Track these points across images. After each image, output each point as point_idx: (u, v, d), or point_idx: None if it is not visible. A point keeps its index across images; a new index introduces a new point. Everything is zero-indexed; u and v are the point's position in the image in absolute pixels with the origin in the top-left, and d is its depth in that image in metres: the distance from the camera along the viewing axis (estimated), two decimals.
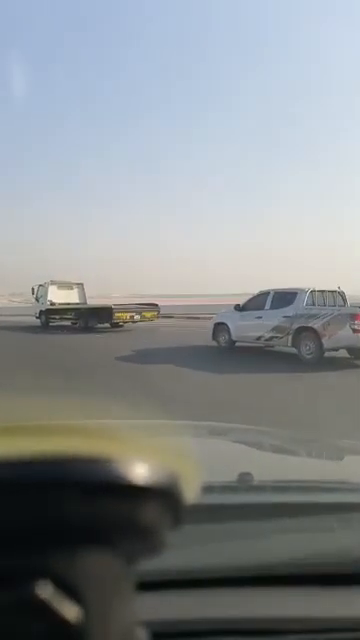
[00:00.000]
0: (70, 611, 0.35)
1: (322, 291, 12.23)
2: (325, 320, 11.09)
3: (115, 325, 20.45)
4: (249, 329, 12.74)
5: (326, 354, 11.08)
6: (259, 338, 12.40)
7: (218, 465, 1.32)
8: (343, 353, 11.21)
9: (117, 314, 20.06)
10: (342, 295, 12.51)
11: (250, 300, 13.35)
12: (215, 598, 0.80)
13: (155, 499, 0.37)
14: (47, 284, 23.30)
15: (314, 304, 11.91)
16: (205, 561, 0.87)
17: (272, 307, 12.33)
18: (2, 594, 0.34)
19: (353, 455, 1.78)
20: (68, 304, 21.81)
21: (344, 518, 1.02)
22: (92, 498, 0.35)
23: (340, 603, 0.83)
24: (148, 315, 20.45)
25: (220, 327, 13.65)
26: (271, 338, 12.14)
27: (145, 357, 11.85)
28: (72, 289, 23.49)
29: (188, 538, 0.73)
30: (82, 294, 23.73)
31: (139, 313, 20.57)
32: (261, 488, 1.13)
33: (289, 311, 11.80)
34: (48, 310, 22.67)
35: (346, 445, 1.97)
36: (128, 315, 20.30)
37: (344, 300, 12.43)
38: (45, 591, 0.34)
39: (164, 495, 0.37)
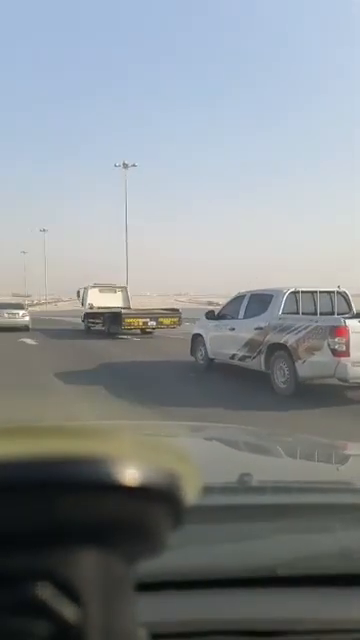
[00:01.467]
0: (70, 612, 0.35)
1: (311, 292, 8.72)
2: (300, 335, 7.67)
3: (144, 332, 18.66)
4: (223, 343, 9.62)
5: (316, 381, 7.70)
6: (233, 356, 9.24)
7: (218, 466, 1.33)
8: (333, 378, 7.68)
9: (127, 320, 18.37)
10: (345, 297, 8.86)
11: (226, 305, 10.18)
12: (215, 599, 0.79)
13: (155, 500, 0.36)
14: (89, 287, 22.56)
15: (298, 311, 8.49)
16: (205, 562, 0.87)
17: (246, 315, 9.10)
18: (2, 595, 0.34)
19: (353, 456, 1.73)
20: (107, 308, 20.46)
21: (345, 519, 1.01)
22: (92, 499, 0.34)
23: (341, 604, 0.82)
24: (166, 321, 18.52)
25: (198, 339, 10.66)
26: (244, 357, 8.93)
27: (82, 376, 9.36)
28: (115, 292, 22.59)
29: (188, 539, 0.74)
30: (126, 298, 22.55)
31: (155, 319, 18.74)
32: (261, 489, 1.14)
33: (262, 321, 8.52)
34: (87, 314, 21.88)
35: (345, 446, 1.91)
36: (141, 321, 18.57)
37: (349, 305, 8.78)
38: (45, 592, 0.34)
39: (164, 496, 0.36)
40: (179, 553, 0.74)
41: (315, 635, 0.77)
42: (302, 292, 8.56)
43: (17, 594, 0.34)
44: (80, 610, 0.35)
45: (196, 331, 10.80)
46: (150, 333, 18.66)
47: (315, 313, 8.50)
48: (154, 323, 18.52)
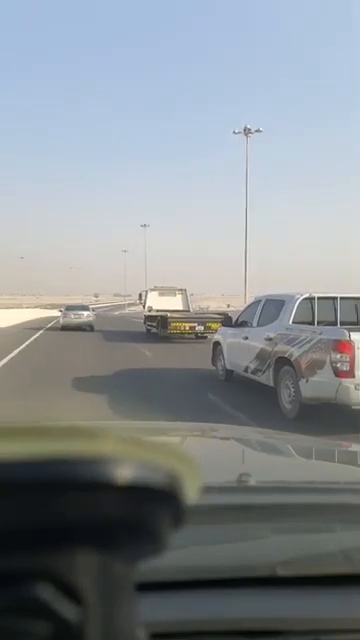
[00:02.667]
0: (70, 612, 0.35)
1: (331, 299, 7.47)
2: (304, 348, 6.52)
3: (199, 336, 17.86)
4: (238, 354, 8.62)
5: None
6: (246, 369, 8.22)
7: (217, 466, 1.32)
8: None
9: (173, 324, 17.82)
10: None
11: (243, 311, 9.12)
12: (215, 599, 0.79)
13: (156, 500, 0.36)
14: (149, 290, 22.64)
15: (313, 320, 7.30)
16: (205, 562, 0.87)
17: (259, 323, 8.04)
18: (3, 595, 0.34)
19: (353, 456, 1.74)
20: (164, 311, 20.00)
21: (345, 519, 1.01)
22: (93, 499, 0.34)
23: (341, 604, 0.81)
24: (215, 326, 17.03)
25: (218, 348, 9.70)
26: (255, 370, 7.89)
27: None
28: (174, 295, 22.37)
29: (188, 539, 0.74)
30: (185, 300, 22.33)
31: (203, 323, 17.96)
32: (261, 489, 1.13)
33: (272, 330, 7.44)
34: (147, 317, 21.87)
35: (345, 446, 1.92)
36: (187, 326, 17.99)
37: None
38: (46, 592, 0.34)
39: (165, 496, 0.36)
40: (179, 553, 0.74)
41: (315, 635, 0.77)
42: (319, 298, 7.36)
43: (18, 594, 0.34)
44: (81, 610, 0.35)
45: (216, 339, 9.87)
46: (205, 337, 17.73)
47: (335, 323, 7.28)
48: (202, 328, 17.79)
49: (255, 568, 0.84)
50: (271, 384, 7.31)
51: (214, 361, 9.78)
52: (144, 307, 22.27)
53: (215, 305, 72.26)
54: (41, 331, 22.83)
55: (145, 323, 21.97)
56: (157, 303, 21.35)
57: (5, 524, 0.33)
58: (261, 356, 7.61)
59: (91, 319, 23.25)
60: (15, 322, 29.10)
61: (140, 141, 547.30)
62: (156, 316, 19.83)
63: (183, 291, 22.73)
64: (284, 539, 0.97)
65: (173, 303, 21.54)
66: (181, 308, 21.43)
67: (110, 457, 0.34)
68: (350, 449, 1.84)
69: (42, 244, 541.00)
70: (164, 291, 22.53)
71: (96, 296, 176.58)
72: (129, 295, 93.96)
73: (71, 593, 0.35)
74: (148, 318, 21.39)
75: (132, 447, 0.37)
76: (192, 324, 17.99)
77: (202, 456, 1.39)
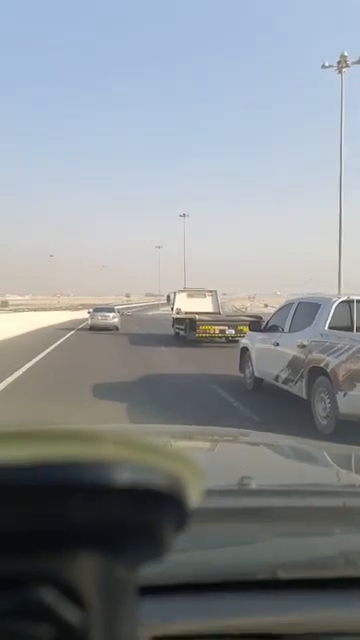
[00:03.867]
0: (73, 615, 0.35)
1: None
2: (342, 358, 5.80)
3: (230, 340, 16.89)
4: (268, 361, 7.93)
5: None
6: (277, 378, 7.52)
7: (219, 469, 1.32)
8: None
9: (202, 327, 17.07)
10: None
11: (274, 314, 8.40)
12: (216, 602, 0.79)
13: (158, 503, 0.36)
14: (177, 291, 21.86)
15: (352, 326, 6.55)
16: (206, 565, 0.87)
17: (292, 328, 7.33)
18: (6, 598, 0.34)
19: (353, 460, 1.72)
20: (193, 313, 19.17)
21: (345, 522, 1.01)
22: (96, 502, 0.34)
23: (341, 607, 0.81)
24: (246, 330, 16.06)
25: (246, 354, 9.01)
26: (287, 380, 7.19)
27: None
28: (204, 297, 21.53)
29: (190, 542, 0.74)
30: (215, 302, 21.46)
31: (234, 327, 17.01)
32: (262, 492, 1.13)
33: (305, 336, 6.73)
34: (175, 319, 21.20)
35: (346, 450, 1.92)
36: (217, 329, 17.07)
37: None
38: (48, 595, 0.34)
39: (167, 499, 0.36)
40: (181, 556, 0.75)
41: (315, 638, 0.78)
42: (358, 301, 6.62)
43: (20, 597, 0.34)
44: (83, 613, 0.35)
45: (243, 344, 9.18)
46: (236, 341, 16.86)
47: None
48: (232, 331, 16.84)
49: (256, 571, 0.84)
50: (304, 396, 6.60)
51: (242, 368, 9.11)
52: (172, 309, 21.56)
53: (250, 305, 70.40)
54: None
55: (173, 326, 21.33)
56: (186, 305, 20.58)
57: (8, 527, 0.33)
58: (293, 365, 6.91)
59: (116, 320, 24.59)
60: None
61: (180, 140, 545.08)
62: (184, 318, 19.06)
63: (213, 292, 21.91)
64: (285, 542, 0.96)
65: (203, 305, 20.72)
66: (211, 310, 20.58)
67: (112, 460, 0.34)
68: (350, 452, 1.82)
69: (73, 242, 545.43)
70: (193, 292, 21.75)
71: (127, 296, 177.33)
72: (161, 295, 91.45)
73: (74, 596, 0.35)
74: (176, 321, 20.72)
75: (134, 450, 0.37)
76: (222, 327, 17.14)
77: (204, 459, 1.44)
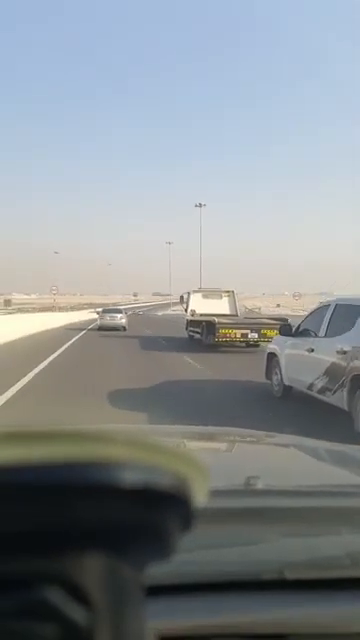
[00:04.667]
0: (80, 615, 0.35)
1: None
2: None
3: (249, 344, 15.75)
4: (300, 368, 7.32)
5: None
6: (311, 386, 6.92)
7: (224, 469, 1.31)
8: None
9: (222, 330, 15.42)
10: None
11: (306, 318, 7.78)
12: (223, 602, 0.79)
13: (165, 503, 0.36)
14: (192, 292, 20.33)
15: None
16: (213, 565, 0.87)
17: (328, 332, 6.72)
18: (13, 598, 0.34)
19: (359, 459, 1.69)
20: (209, 315, 17.65)
21: (352, 522, 1.00)
22: (102, 502, 0.34)
23: (347, 607, 0.82)
24: (272, 334, 14.49)
25: (273, 360, 8.40)
26: (323, 389, 6.59)
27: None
28: (220, 298, 19.96)
29: (196, 542, 0.73)
30: (233, 304, 19.88)
31: (257, 331, 15.47)
32: (268, 492, 1.13)
33: (346, 341, 6.12)
34: (189, 322, 19.79)
35: (353, 450, 1.83)
36: (239, 333, 15.46)
37: None
38: (55, 595, 0.34)
39: (174, 499, 0.36)
40: (187, 556, 0.74)
41: (321, 638, 0.78)
42: None
43: (27, 597, 0.34)
44: (89, 613, 0.35)
45: (271, 349, 8.54)
46: (256, 346, 15.53)
47: None
48: (256, 335, 15.35)
49: (262, 571, 0.83)
50: (344, 407, 6.00)
51: (269, 374, 8.50)
52: (186, 311, 20.09)
53: (262, 305, 68.34)
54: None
55: (187, 329, 19.97)
56: (201, 306, 19.13)
57: (15, 527, 0.33)
58: (331, 373, 6.31)
59: (124, 321, 25.77)
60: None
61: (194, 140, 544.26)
62: (201, 321, 17.61)
63: (230, 293, 20.24)
64: (291, 542, 0.95)
65: (219, 307, 19.19)
66: (228, 312, 19.10)
67: (118, 461, 0.34)
68: (357, 452, 1.75)
69: (79, 240, 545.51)
70: (208, 293, 20.19)
71: (135, 295, 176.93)
72: (169, 295, 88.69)
73: (80, 596, 0.35)
74: (191, 323, 19.35)
75: (140, 451, 0.36)
76: (244, 331, 15.52)
77: (210, 459, 1.42)
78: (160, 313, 62.13)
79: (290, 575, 0.81)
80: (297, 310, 41.15)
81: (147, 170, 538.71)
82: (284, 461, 1.64)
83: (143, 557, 0.38)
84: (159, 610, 0.68)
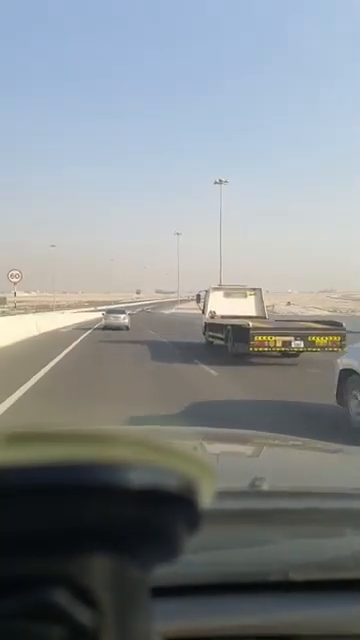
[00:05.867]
0: (86, 617, 0.35)
1: None
2: None
3: (286, 354, 12.82)
4: None
5: None
6: None
7: (230, 471, 1.32)
8: None
9: (258, 338, 12.16)
10: None
11: None
12: (229, 603, 0.79)
13: (171, 504, 0.36)
14: (211, 289, 17.16)
15: None
16: (218, 567, 0.87)
17: None
18: (19, 599, 0.34)
19: None
20: (233, 317, 14.83)
21: (357, 524, 1.00)
22: (109, 503, 0.34)
23: (353, 608, 0.81)
24: (321, 341, 12.18)
25: (350, 379, 6.01)
26: None
27: None
28: (245, 297, 16.73)
29: (202, 543, 0.71)
30: (260, 304, 16.72)
31: (302, 338, 12.33)
32: (273, 494, 1.10)
33: None
34: (207, 325, 16.60)
35: (358, 451, 1.86)
36: (279, 340, 12.21)
37: None
38: (62, 597, 0.34)
39: (180, 500, 0.36)
40: (193, 557, 0.72)
41: (327, 639, 0.77)
42: None
43: (34, 598, 0.34)
44: (96, 615, 0.35)
45: (346, 364, 6.16)
46: (296, 356, 12.95)
47: None
48: (301, 344, 12.25)
49: (268, 573, 0.83)
50: None
51: (342, 398, 6.12)
52: (203, 312, 16.94)
53: (273, 303, 64.16)
54: None
55: (205, 333, 16.84)
56: (222, 307, 16.15)
57: (22, 528, 0.33)
58: None
59: (127, 321, 27.51)
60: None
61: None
62: (225, 325, 14.42)
63: (257, 291, 17.00)
64: (297, 544, 0.96)
65: (244, 307, 16.10)
66: (254, 314, 15.94)
67: (125, 462, 0.34)
68: None
69: (79, 235, 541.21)
70: (231, 291, 17.02)
71: (138, 292, 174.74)
72: (172, 292, 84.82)
73: (87, 597, 0.35)
74: (210, 327, 16.27)
75: (147, 452, 0.36)
76: (287, 338, 12.26)
77: (216, 461, 1.48)
78: (167, 312, 59.24)
79: (295, 576, 0.81)
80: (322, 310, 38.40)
81: (147, 170, 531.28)
82: (289, 462, 1.62)
83: (150, 558, 0.37)
84: (166, 611, 0.68)
